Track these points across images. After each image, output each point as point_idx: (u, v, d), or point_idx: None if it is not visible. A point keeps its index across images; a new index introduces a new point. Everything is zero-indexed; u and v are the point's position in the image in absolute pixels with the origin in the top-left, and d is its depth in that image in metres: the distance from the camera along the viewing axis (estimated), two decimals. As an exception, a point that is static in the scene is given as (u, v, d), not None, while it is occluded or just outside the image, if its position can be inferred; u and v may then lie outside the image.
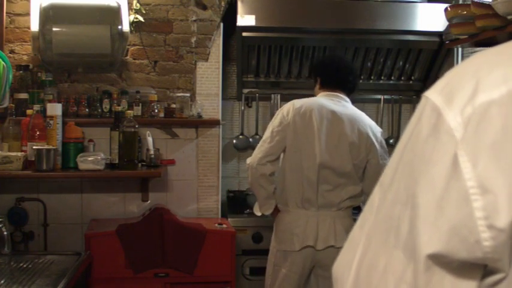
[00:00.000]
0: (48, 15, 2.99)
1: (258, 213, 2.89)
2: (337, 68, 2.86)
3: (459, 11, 2.56)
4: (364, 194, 2.80)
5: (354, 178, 2.74)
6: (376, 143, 2.76)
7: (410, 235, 0.65)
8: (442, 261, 0.63)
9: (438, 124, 0.65)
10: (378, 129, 2.84)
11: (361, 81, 3.70)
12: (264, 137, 2.78)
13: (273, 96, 3.70)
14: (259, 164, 2.72)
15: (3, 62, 2.74)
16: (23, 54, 3.22)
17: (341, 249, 0.77)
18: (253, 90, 3.69)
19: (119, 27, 3.06)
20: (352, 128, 2.73)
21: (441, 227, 0.62)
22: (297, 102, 2.77)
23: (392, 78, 3.74)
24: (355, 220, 2.80)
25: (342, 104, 2.80)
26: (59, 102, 3.07)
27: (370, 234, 0.71)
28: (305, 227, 2.70)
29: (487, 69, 0.64)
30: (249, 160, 2.79)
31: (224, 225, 3.17)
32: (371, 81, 3.74)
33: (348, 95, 2.87)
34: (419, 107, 0.69)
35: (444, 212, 0.62)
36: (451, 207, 0.62)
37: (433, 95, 0.67)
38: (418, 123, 0.68)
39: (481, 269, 0.63)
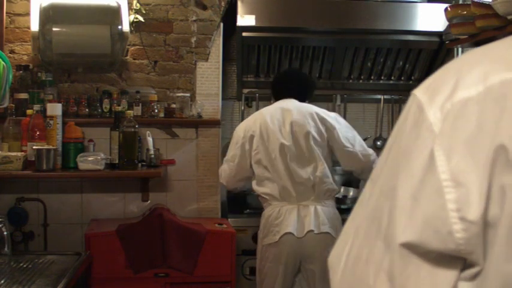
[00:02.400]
0: (48, 15, 2.99)
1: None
2: (284, 79, 3.02)
3: (459, 11, 2.57)
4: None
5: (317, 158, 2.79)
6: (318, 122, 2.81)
7: (388, 225, 0.67)
8: (418, 251, 0.65)
9: (420, 120, 0.67)
10: (326, 113, 2.87)
11: (361, 81, 3.71)
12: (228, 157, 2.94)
13: (273, 96, 3.70)
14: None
15: (3, 62, 2.74)
16: (23, 54, 3.22)
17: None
18: (253, 90, 3.68)
19: (119, 27, 3.06)
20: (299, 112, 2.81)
21: (416, 218, 0.65)
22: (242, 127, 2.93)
23: (392, 78, 3.74)
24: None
25: (285, 103, 2.88)
26: (59, 102, 3.07)
27: (358, 226, 0.74)
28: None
29: (469, 67, 0.67)
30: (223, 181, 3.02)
31: (224, 225, 3.17)
32: (371, 81, 3.74)
33: (303, 101, 2.93)
34: (408, 104, 0.71)
35: (419, 203, 0.65)
36: (425, 199, 0.64)
37: (419, 92, 0.70)
38: (405, 120, 0.70)
39: (461, 262, 0.65)
